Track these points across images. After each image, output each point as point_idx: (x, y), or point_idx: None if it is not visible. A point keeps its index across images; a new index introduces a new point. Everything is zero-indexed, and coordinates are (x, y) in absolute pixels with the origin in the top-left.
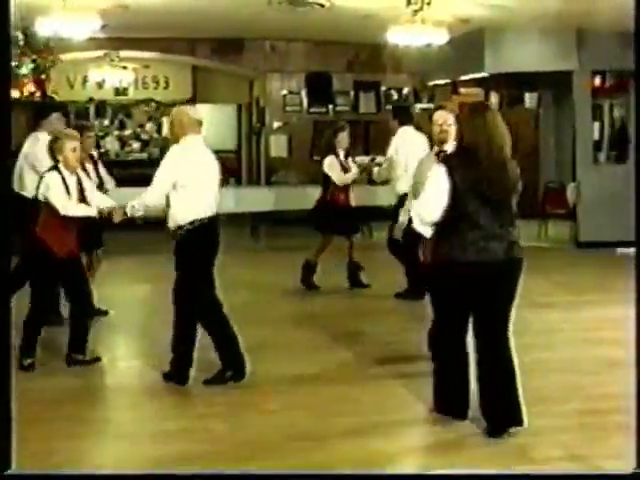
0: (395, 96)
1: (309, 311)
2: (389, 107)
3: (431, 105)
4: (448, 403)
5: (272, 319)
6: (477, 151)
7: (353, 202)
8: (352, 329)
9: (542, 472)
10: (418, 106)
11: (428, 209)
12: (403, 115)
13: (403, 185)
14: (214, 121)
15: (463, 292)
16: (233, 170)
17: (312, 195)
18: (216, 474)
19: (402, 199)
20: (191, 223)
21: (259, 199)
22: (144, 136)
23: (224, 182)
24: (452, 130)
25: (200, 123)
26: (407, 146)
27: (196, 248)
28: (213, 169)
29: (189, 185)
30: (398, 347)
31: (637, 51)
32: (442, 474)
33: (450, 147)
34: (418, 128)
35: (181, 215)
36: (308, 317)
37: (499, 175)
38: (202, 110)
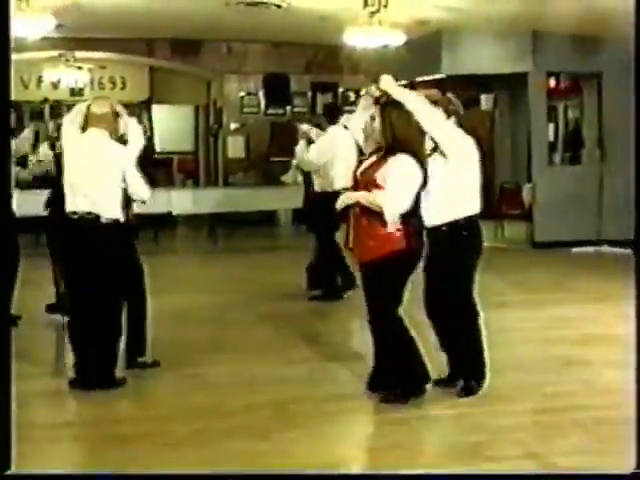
0: (353, 97)
1: (268, 312)
2: (347, 108)
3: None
4: (424, 372)
5: (230, 322)
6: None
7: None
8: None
9: (542, 472)
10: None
11: (402, 201)
12: (329, 114)
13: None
14: (172, 122)
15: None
16: (191, 171)
17: (270, 196)
18: (216, 474)
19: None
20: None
21: (217, 200)
22: None
23: (183, 183)
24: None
25: (102, 118)
26: (335, 146)
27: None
28: (99, 162)
29: (66, 174)
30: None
31: (637, 50)
32: (442, 474)
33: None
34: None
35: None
36: (267, 318)
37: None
38: (159, 111)
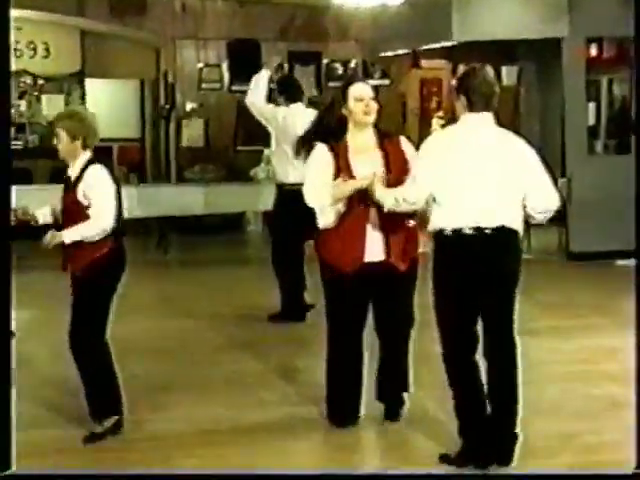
0: (340, 70)
1: (233, 341)
2: (332, 84)
3: (385, 81)
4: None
5: (186, 353)
6: None
7: None
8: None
9: (542, 472)
10: (370, 83)
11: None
12: (291, 90)
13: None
14: (110, 101)
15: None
16: (135, 163)
17: (235, 196)
18: (216, 474)
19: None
20: None
21: (168, 201)
22: (19, 119)
23: (125, 178)
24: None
25: None
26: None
27: None
28: None
29: None
30: None
31: (637, 49)
32: (443, 474)
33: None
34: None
35: None
36: (232, 349)
37: None
38: (95, 87)
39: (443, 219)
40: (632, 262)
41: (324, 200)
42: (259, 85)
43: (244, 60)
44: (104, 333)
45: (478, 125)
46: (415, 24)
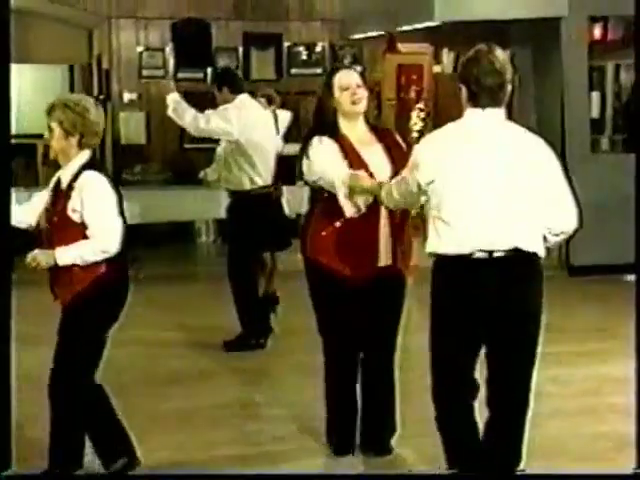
0: (304, 55)
1: (179, 373)
2: (295, 71)
3: (356, 68)
4: None
5: (122, 387)
6: None
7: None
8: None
9: (542, 472)
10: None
11: None
12: (232, 81)
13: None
14: (34, 90)
15: None
16: None
17: (183, 201)
18: (216, 474)
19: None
20: None
21: None
22: None
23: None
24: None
25: None
26: (250, 123)
27: None
28: None
29: None
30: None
31: (637, 49)
32: (442, 474)
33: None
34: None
35: None
36: (178, 381)
37: None
38: (16, 74)
39: (442, 240)
40: None
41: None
42: (183, 111)
43: (192, 43)
44: (93, 374)
45: (482, 124)
46: (391, 2)
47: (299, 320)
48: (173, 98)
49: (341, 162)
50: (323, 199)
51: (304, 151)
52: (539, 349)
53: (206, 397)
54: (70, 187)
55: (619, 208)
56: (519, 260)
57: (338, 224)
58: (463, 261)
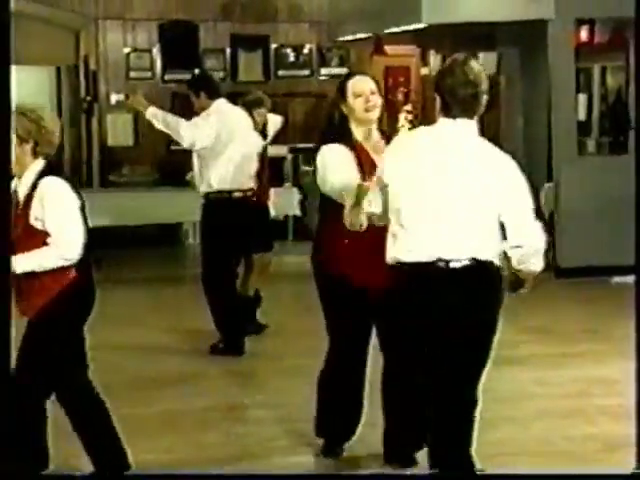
0: (291, 57)
1: (167, 376)
2: (283, 73)
3: (343, 70)
4: None
5: (110, 389)
6: None
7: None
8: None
9: (542, 472)
10: (324, 71)
11: None
12: (210, 84)
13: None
14: (19, 92)
15: None
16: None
17: (170, 203)
18: (216, 474)
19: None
20: None
21: (90, 209)
22: None
23: None
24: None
25: None
26: (230, 127)
27: None
28: None
29: None
30: None
31: (637, 48)
32: (443, 474)
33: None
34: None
35: None
36: (167, 384)
37: None
38: None
39: (399, 247)
40: (630, 279)
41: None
42: (173, 124)
43: (179, 45)
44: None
45: (451, 134)
46: (378, 4)
47: (287, 322)
48: (153, 113)
49: (354, 171)
50: (337, 205)
51: (315, 159)
52: (492, 354)
53: (195, 400)
54: (30, 196)
55: (606, 210)
56: (474, 270)
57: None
58: (414, 269)
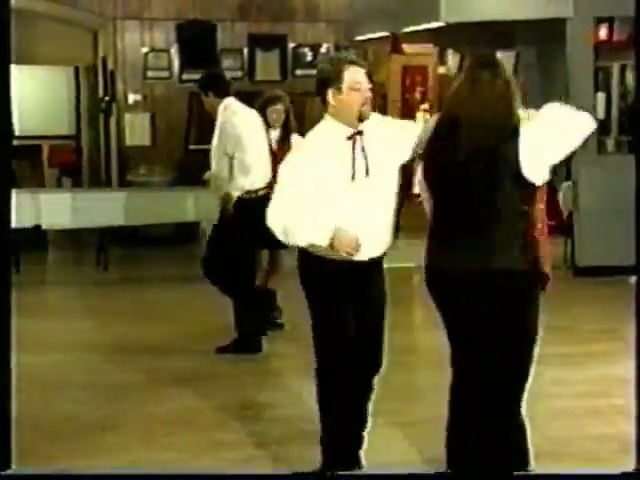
0: (309, 56)
1: (185, 373)
2: (300, 72)
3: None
4: None
5: (129, 388)
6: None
7: None
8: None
9: (542, 472)
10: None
11: None
12: (218, 84)
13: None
14: (39, 92)
15: None
16: (69, 165)
17: (187, 202)
18: (216, 474)
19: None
20: None
21: (108, 209)
22: None
23: (57, 182)
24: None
25: None
26: (243, 126)
27: None
28: None
29: None
30: None
31: (637, 48)
32: (443, 474)
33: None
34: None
35: None
36: (185, 381)
37: None
38: (20, 75)
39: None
40: None
41: None
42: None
43: (197, 45)
44: None
45: None
46: (396, 3)
47: (302, 321)
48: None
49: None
50: None
51: None
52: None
53: (211, 398)
54: None
55: (625, 209)
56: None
57: None
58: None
